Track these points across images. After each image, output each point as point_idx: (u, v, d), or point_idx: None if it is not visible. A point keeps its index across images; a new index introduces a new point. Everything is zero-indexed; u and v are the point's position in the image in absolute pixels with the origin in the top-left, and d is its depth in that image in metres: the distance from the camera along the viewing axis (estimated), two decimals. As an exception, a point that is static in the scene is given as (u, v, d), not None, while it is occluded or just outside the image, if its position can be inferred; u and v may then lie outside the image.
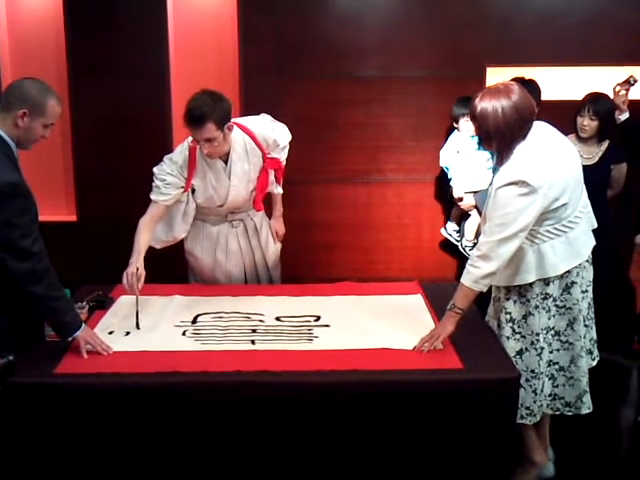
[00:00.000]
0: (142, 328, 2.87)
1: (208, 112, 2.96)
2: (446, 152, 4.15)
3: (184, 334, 2.82)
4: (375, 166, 4.65)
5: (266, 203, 3.57)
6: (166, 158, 3.25)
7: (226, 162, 3.24)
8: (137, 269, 2.97)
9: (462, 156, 4.01)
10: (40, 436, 2.45)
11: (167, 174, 3.19)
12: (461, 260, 4.28)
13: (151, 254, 3.26)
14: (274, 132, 3.35)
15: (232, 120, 3.19)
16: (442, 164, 4.19)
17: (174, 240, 3.43)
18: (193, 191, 3.29)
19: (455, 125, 4.10)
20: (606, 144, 3.89)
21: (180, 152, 3.24)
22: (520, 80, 3.50)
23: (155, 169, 3.23)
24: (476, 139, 3.88)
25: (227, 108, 3.06)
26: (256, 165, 3.30)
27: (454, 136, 4.12)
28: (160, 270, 3.20)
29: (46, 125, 2.57)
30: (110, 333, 2.82)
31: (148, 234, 3.16)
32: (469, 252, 4.16)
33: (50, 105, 2.56)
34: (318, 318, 2.98)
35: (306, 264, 3.93)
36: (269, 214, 3.63)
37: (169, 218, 3.35)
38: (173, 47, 4.53)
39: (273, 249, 3.59)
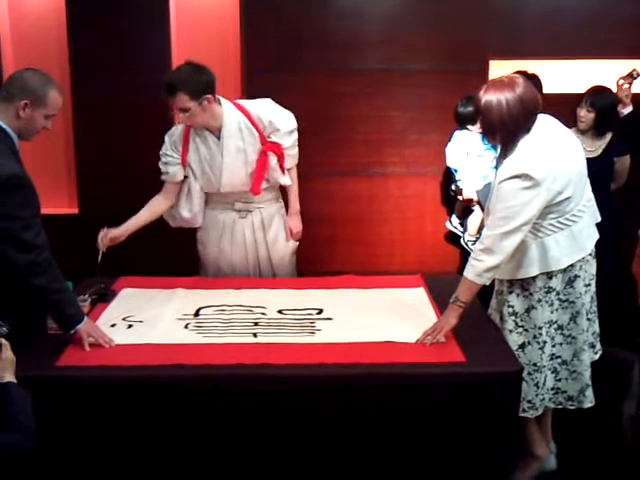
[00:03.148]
0: (144, 321, 2.87)
1: (181, 82, 3.06)
2: (454, 153, 4.09)
3: (186, 327, 2.82)
4: (377, 159, 4.64)
5: (285, 198, 3.56)
6: (166, 135, 3.37)
7: (219, 138, 3.26)
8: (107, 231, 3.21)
9: (471, 157, 3.97)
10: (41, 429, 2.44)
11: (165, 153, 3.34)
12: (464, 253, 4.28)
13: (164, 247, 3.28)
14: (271, 113, 3.32)
15: (233, 101, 3.27)
16: (450, 165, 4.14)
17: (181, 219, 3.44)
18: (192, 171, 3.34)
19: (468, 127, 4.03)
20: (609, 137, 3.88)
21: (177, 127, 3.33)
22: (522, 74, 3.48)
23: (160, 150, 3.36)
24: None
25: (205, 80, 3.12)
26: (252, 145, 3.29)
27: (462, 136, 4.07)
28: (172, 262, 3.20)
29: (47, 116, 2.56)
30: (112, 326, 2.81)
31: (149, 210, 3.36)
32: (471, 247, 4.16)
33: (52, 96, 2.55)
34: (320, 311, 2.98)
35: (308, 257, 3.92)
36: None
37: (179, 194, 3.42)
38: (175, 41, 4.52)
39: (282, 246, 3.53)
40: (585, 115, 3.81)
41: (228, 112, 3.25)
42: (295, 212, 3.58)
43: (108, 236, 3.19)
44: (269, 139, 3.31)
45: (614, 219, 3.75)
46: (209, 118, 3.20)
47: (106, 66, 4.46)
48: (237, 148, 3.27)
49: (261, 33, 4.45)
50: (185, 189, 3.39)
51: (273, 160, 3.34)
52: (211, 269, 3.53)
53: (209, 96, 3.12)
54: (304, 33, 4.46)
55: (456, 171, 4.10)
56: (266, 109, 3.33)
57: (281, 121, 3.34)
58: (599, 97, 3.82)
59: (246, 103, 3.36)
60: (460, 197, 4.14)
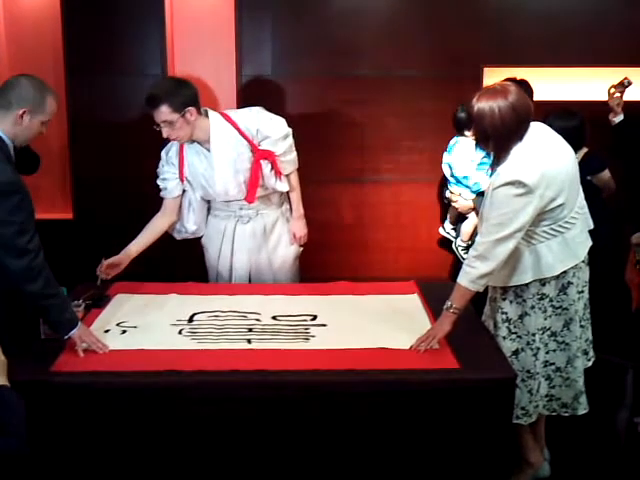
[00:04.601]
0: (138, 326, 2.87)
1: (162, 95, 3.09)
2: (460, 161, 4.07)
3: (180, 333, 2.82)
4: (371, 166, 4.65)
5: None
6: (162, 152, 3.39)
7: (209, 150, 3.29)
8: (105, 260, 3.16)
9: (475, 164, 3.97)
10: (35, 434, 2.44)
11: (161, 168, 3.37)
12: (456, 259, 4.29)
13: (171, 252, 3.28)
14: (259, 122, 3.32)
15: (221, 111, 3.31)
16: (459, 174, 4.09)
17: (186, 232, 3.48)
18: (190, 182, 3.36)
19: (466, 134, 4.02)
20: (582, 154, 3.83)
21: (172, 143, 3.34)
22: (512, 81, 3.48)
23: (157, 169, 3.39)
24: None
25: (187, 93, 3.15)
26: (243, 155, 3.29)
27: (464, 143, 4.06)
28: (172, 268, 3.21)
29: (44, 122, 2.58)
30: (106, 331, 2.81)
31: (151, 231, 3.36)
32: (461, 252, 4.18)
33: (49, 102, 2.58)
34: (314, 317, 2.98)
35: (303, 263, 3.92)
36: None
37: (180, 209, 3.44)
38: (171, 45, 4.52)
39: (283, 252, 3.55)
40: None
41: (215, 124, 3.26)
42: (298, 216, 3.58)
43: (104, 264, 3.16)
44: (260, 147, 3.31)
45: (607, 226, 3.75)
46: (194, 131, 3.21)
47: (102, 70, 4.45)
48: (227, 159, 3.28)
49: (257, 39, 4.45)
50: (186, 203, 3.42)
51: (267, 168, 3.34)
52: (212, 272, 3.56)
53: (191, 108, 3.13)
54: (300, 39, 4.47)
55: (465, 178, 4.06)
56: (254, 118, 3.33)
57: (270, 128, 3.33)
58: (556, 119, 3.74)
59: (234, 113, 3.37)
60: (454, 204, 4.14)
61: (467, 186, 4.05)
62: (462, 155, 4.05)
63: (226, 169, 3.28)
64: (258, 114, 3.36)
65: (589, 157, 3.80)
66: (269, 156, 3.33)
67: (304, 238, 3.61)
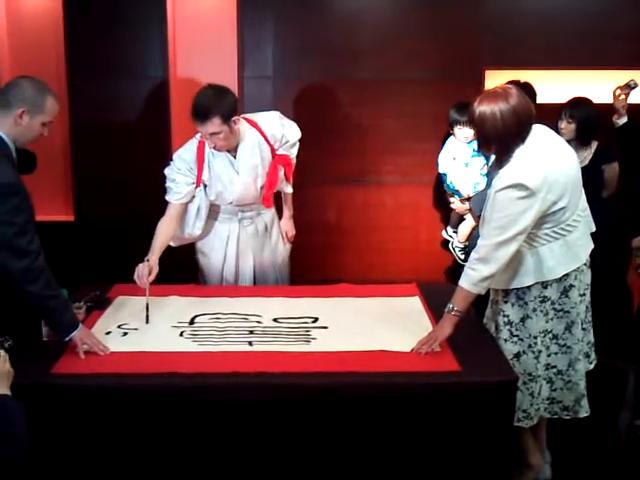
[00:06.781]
0: (139, 328, 2.87)
1: (213, 107, 3.03)
2: (443, 158, 4.12)
3: (181, 335, 2.82)
4: (372, 168, 4.64)
5: (277, 203, 3.60)
6: (175, 156, 3.33)
7: (235, 157, 3.28)
8: (148, 262, 3.05)
9: (458, 162, 3.99)
10: (36, 436, 2.44)
11: (175, 173, 3.28)
12: (455, 261, 4.29)
13: (170, 255, 3.26)
14: (283, 128, 3.37)
15: (242, 116, 3.27)
16: (440, 171, 4.14)
17: (189, 237, 3.44)
18: (205, 187, 3.32)
19: (451, 131, 4.06)
20: (595, 146, 3.88)
21: (188, 148, 3.30)
22: (516, 83, 3.49)
23: (166, 170, 3.31)
24: (472, 145, 3.87)
25: (232, 102, 3.12)
26: (265, 160, 3.32)
27: (450, 142, 4.09)
28: (170, 271, 3.20)
29: (44, 123, 2.58)
30: (107, 333, 2.81)
31: (165, 235, 3.25)
32: (458, 252, 4.19)
33: (49, 103, 2.57)
34: (316, 320, 2.98)
35: (303, 265, 3.92)
36: (280, 214, 3.66)
37: (184, 215, 3.38)
38: (173, 47, 4.53)
39: (282, 250, 3.62)
40: (566, 127, 3.80)
41: (244, 131, 3.26)
42: (289, 216, 3.67)
43: (153, 273, 3.06)
44: (278, 152, 3.36)
45: (609, 228, 3.75)
46: (234, 138, 3.20)
47: (103, 73, 4.45)
48: (252, 165, 3.29)
49: (258, 41, 4.46)
50: (194, 209, 3.35)
51: (281, 171, 3.40)
52: (214, 278, 3.53)
53: (236, 118, 3.13)
54: (301, 41, 4.46)
55: (446, 174, 4.09)
56: (278, 124, 3.37)
57: (290, 134, 3.40)
58: (578, 108, 3.81)
59: (257, 119, 3.36)
60: (452, 205, 4.15)
61: (446, 183, 4.07)
62: (445, 152, 4.09)
63: (249, 175, 3.30)
64: (281, 120, 3.41)
65: (602, 148, 3.89)
66: (286, 160, 3.39)
67: (293, 236, 3.69)
